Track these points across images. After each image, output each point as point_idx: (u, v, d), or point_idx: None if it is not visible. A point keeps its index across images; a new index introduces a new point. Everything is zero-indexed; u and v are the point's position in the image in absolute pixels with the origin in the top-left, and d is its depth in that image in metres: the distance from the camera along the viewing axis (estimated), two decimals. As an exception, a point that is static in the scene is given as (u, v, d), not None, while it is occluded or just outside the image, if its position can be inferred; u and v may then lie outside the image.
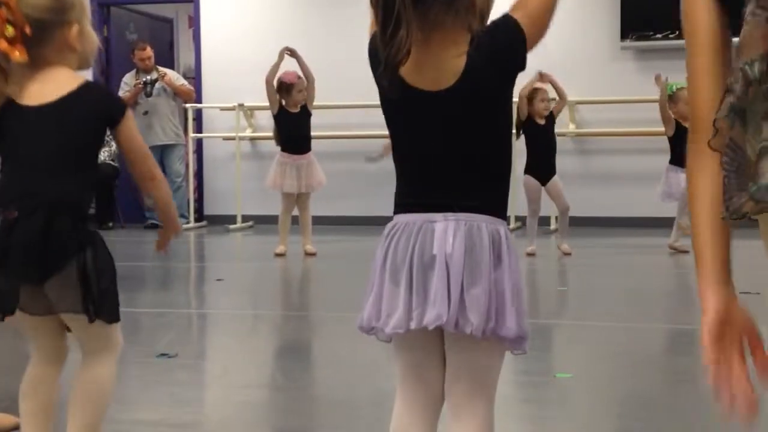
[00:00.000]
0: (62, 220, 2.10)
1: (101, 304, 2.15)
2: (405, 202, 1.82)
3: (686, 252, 7.21)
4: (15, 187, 2.17)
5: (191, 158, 10.40)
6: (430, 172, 1.80)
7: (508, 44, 1.79)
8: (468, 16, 1.77)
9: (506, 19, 1.80)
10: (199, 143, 10.58)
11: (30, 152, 2.15)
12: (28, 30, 2.08)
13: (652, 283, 6.05)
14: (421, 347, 1.84)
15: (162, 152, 10.06)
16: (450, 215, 1.75)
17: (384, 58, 1.72)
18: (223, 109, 10.12)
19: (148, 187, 2.32)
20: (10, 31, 2.06)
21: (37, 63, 2.14)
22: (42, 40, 2.12)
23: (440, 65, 1.75)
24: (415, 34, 1.71)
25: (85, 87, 2.17)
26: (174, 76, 10.15)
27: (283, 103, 7.34)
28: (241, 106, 9.88)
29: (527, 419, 3.15)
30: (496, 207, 1.80)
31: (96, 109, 2.16)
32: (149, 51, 9.92)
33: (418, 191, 1.81)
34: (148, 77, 9.83)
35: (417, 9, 1.71)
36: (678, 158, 7.23)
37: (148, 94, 9.87)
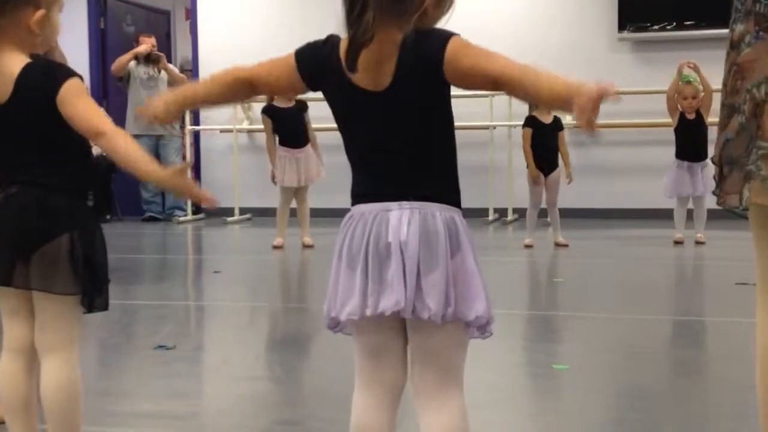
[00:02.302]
0: (57, 197, 2.11)
1: (92, 289, 2.14)
2: (360, 193, 1.85)
3: (682, 243, 7.23)
4: (9, 169, 2.16)
5: (189, 151, 10.40)
6: (381, 166, 1.82)
7: (426, 61, 1.75)
8: (411, 22, 1.77)
9: (440, 39, 1.75)
10: (196, 136, 10.58)
11: (8, 141, 2.15)
12: None
13: (649, 275, 6.06)
14: (379, 333, 1.86)
15: (157, 145, 10.07)
16: (405, 204, 1.78)
17: (350, 37, 1.74)
18: (220, 101, 10.11)
19: (101, 145, 2.09)
20: None
21: None
22: (3, 12, 2.11)
23: (380, 66, 1.77)
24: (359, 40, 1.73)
25: (26, 69, 2.11)
26: (169, 67, 10.16)
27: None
28: (238, 98, 9.86)
29: (523, 410, 3.15)
30: (449, 196, 1.82)
31: (41, 87, 2.10)
32: (153, 39, 9.93)
33: (373, 183, 1.83)
34: (151, 56, 9.80)
35: (360, 18, 1.73)
36: (682, 151, 7.21)
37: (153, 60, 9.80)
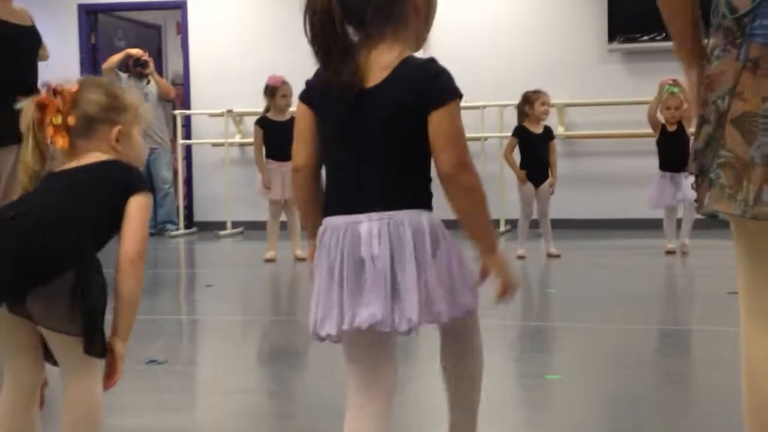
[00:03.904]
0: (59, 232, 2.09)
1: (93, 332, 2.10)
2: (332, 203, 1.87)
3: (673, 252, 7.24)
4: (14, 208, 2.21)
5: (180, 165, 10.40)
6: (354, 171, 1.84)
7: (417, 97, 1.79)
8: (408, 23, 1.83)
9: (443, 94, 1.80)
10: (188, 150, 10.58)
11: (35, 204, 2.18)
12: (71, 121, 2.20)
13: (641, 285, 6.07)
14: (365, 342, 1.87)
15: (148, 158, 10.05)
16: (374, 215, 1.79)
17: (328, 78, 1.81)
18: (211, 115, 10.12)
19: (125, 270, 2.12)
20: (58, 119, 2.20)
21: (76, 151, 2.24)
22: (84, 133, 2.23)
23: (371, 68, 1.81)
24: (355, 50, 1.80)
25: (113, 162, 2.24)
26: (156, 76, 10.15)
27: (267, 105, 7.35)
28: (229, 112, 9.88)
29: (516, 421, 3.15)
30: (417, 199, 1.84)
31: (119, 178, 2.20)
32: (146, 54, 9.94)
33: (342, 193, 1.85)
34: (140, 61, 9.77)
35: (358, 27, 1.80)
36: (665, 163, 7.24)
37: (138, 74, 9.78)
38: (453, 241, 1.86)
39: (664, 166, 7.24)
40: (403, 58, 1.81)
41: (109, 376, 2.16)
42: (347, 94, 1.81)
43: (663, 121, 7.23)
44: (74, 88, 2.23)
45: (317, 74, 1.90)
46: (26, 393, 2.21)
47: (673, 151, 7.12)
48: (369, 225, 1.78)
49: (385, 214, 1.79)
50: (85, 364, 2.14)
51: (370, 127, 1.82)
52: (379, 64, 1.80)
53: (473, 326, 2.09)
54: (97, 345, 2.12)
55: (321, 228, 1.87)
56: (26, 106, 2.23)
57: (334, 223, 1.83)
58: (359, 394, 1.91)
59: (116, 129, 2.25)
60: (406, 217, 1.79)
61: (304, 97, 1.93)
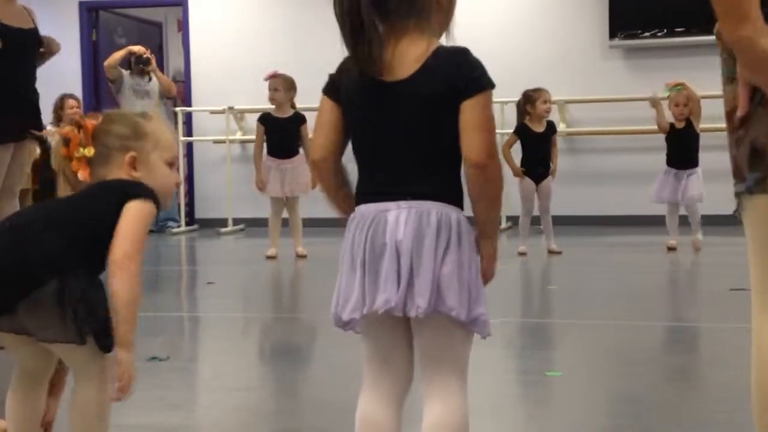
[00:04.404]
0: (50, 237, 2.09)
1: (95, 333, 2.08)
2: (363, 192, 1.89)
3: (675, 249, 7.23)
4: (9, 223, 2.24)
5: (181, 162, 10.39)
6: (385, 161, 1.86)
7: (449, 87, 1.81)
8: (430, 16, 1.85)
9: (476, 82, 1.82)
10: (189, 147, 10.58)
11: (27, 215, 2.26)
12: (89, 152, 2.24)
13: (642, 282, 6.06)
14: (386, 330, 1.90)
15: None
16: (403, 203, 1.81)
17: (357, 70, 1.82)
18: (213, 112, 10.12)
19: (112, 271, 2.07)
20: (80, 152, 2.24)
21: (97, 179, 2.26)
22: (101, 161, 2.25)
23: (400, 60, 1.82)
24: (382, 41, 1.81)
25: (117, 178, 2.25)
26: (159, 72, 10.14)
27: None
28: (231, 109, 9.88)
29: (517, 417, 3.15)
30: (448, 194, 1.85)
31: (116, 186, 2.21)
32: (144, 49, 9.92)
33: (375, 181, 1.87)
34: (142, 58, 9.76)
35: (384, 19, 1.81)
36: (671, 159, 7.24)
37: (140, 71, 9.77)
38: (475, 248, 1.86)
39: (670, 162, 7.24)
40: (434, 49, 1.83)
41: (119, 387, 2.09)
42: (377, 84, 1.82)
43: (672, 117, 7.21)
44: (97, 120, 2.27)
45: (343, 66, 1.90)
46: (31, 380, 2.22)
47: (680, 148, 7.12)
48: (397, 212, 1.81)
49: (414, 203, 1.81)
50: (91, 369, 2.13)
51: (402, 118, 1.83)
52: (409, 55, 1.82)
53: (460, 353, 1.90)
54: (105, 337, 2.09)
55: (351, 215, 1.89)
56: (55, 144, 2.29)
57: (363, 211, 1.86)
58: (373, 377, 1.94)
59: (129, 155, 2.24)
60: (434, 208, 1.81)
61: (329, 90, 1.93)
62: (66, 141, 2.25)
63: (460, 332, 1.86)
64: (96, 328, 2.06)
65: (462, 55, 1.83)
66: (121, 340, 2.07)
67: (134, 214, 2.15)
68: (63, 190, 2.28)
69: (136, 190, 2.19)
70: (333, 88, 1.92)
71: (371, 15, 1.79)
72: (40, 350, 2.16)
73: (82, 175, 2.24)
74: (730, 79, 1.73)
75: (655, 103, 7.25)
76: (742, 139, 1.71)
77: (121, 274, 2.07)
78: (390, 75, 1.82)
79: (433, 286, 1.78)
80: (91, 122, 2.27)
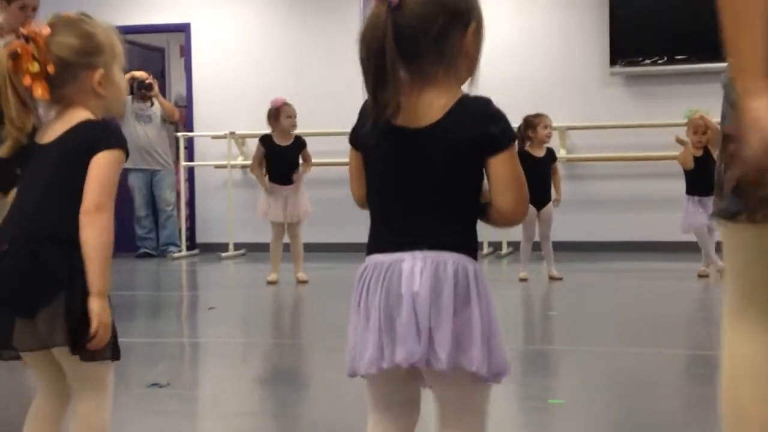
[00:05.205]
0: (50, 251, 2.07)
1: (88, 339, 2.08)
2: (376, 241, 1.86)
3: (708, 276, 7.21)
4: (10, 221, 2.16)
5: (183, 186, 10.41)
6: (401, 210, 1.83)
7: (474, 139, 1.80)
8: (458, 65, 1.84)
9: (501, 138, 1.81)
10: (191, 171, 10.59)
11: (27, 187, 2.17)
12: (50, 68, 2.10)
13: (644, 308, 6.05)
14: (392, 381, 1.85)
15: (152, 180, 10.09)
16: (418, 253, 1.77)
17: (373, 115, 1.79)
18: (214, 137, 10.15)
19: (84, 223, 2.04)
20: (34, 67, 2.09)
21: (58, 102, 2.16)
22: (64, 80, 2.14)
23: (424, 108, 1.80)
24: (404, 87, 1.78)
25: (83, 123, 2.15)
26: (161, 98, 10.19)
27: (271, 129, 7.32)
28: (232, 134, 9.90)
29: (520, 446, 3.13)
30: (465, 245, 1.82)
31: (84, 141, 2.12)
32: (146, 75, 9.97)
33: (389, 230, 1.84)
34: (144, 83, 9.81)
35: (409, 66, 1.80)
36: (692, 188, 7.16)
37: (143, 96, 9.83)
38: (487, 297, 1.82)
39: (691, 191, 7.15)
40: (459, 98, 1.81)
41: (95, 338, 2.04)
42: (398, 131, 1.80)
43: (690, 145, 7.16)
44: (47, 31, 2.12)
45: (364, 113, 1.88)
46: (55, 399, 2.21)
47: (702, 175, 7.02)
48: (412, 262, 1.77)
49: (430, 254, 1.77)
50: (93, 380, 2.14)
51: (422, 166, 1.81)
52: (434, 103, 1.80)
53: (479, 406, 1.90)
54: (106, 347, 2.10)
55: (362, 265, 1.85)
56: None
57: (376, 260, 1.82)
58: (377, 418, 1.91)
59: (98, 73, 2.16)
60: (450, 258, 1.77)
61: (352, 139, 1.94)
62: (14, 55, 2.09)
63: (480, 385, 1.83)
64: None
65: (487, 105, 1.81)
66: (95, 288, 2.04)
67: (103, 164, 2.09)
68: (12, 111, 2.11)
69: (104, 142, 2.11)
70: (355, 136, 1.92)
71: (396, 61, 1.77)
72: (58, 366, 2.16)
73: (40, 92, 2.10)
74: (732, 105, 1.73)
75: (681, 141, 7.19)
76: (734, 161, 1.72)
77: (92, 225, 2.05)
78: (412, 122, 1.80)
79: (453, 340, 1.74)
80: (42, 34, 2.11)
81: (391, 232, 1.83)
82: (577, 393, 3.75)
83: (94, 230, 2.05)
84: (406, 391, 1.89)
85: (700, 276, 7.21)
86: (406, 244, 1.79)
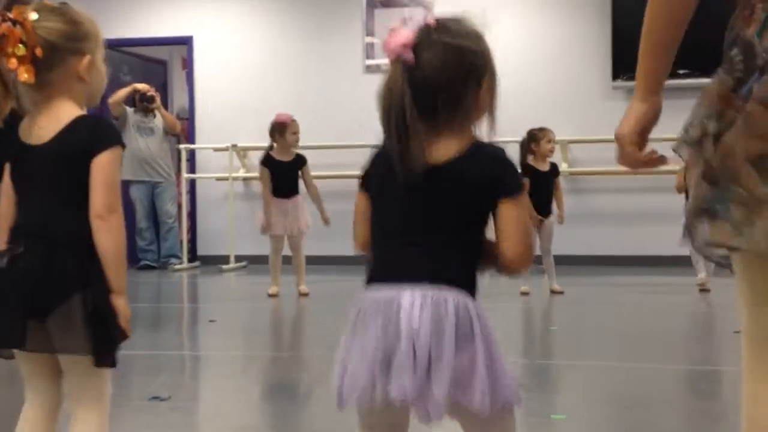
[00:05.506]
0: (67, 257, 2.08)
1: (105, 346, 2.11)
2: (376, 275, 1.87)
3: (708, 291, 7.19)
4: (22, 224, 2.16)
5: (184, 199, 10.42)
6: (402, 245, 1.86)
7: (489, 181, 1.84)
8: (473, 117, 1.89)
9: (508, 186, 1.86)
10: (192, 184, 10.60)
11: (32, 191, 2.16)
12: (39, 52, 2.08)
13: (645, 322, 6.04)
14: (385, 415, 1.85)
15: (153, 192, 10.09)
16: (417, 288, 1.78)
17: (403, 164, 1.82)
18: (216, 149, 10.15)
19: (98, 226, 2.08)
20: (21, 50, 2.07)
21: (43, 87, 2.13)
22: (52, 65, 2.12)
23: (440, 150, 1.84)
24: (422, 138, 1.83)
25: (77, 121, 2.13)
26: (163, 110, 10.20)
27: (275, 146, 7.32)
28: (234, 146, 9.91)
29: (522, 461, 3.12)
30: (465, 282, 1.83)
31: (83, 142, 2.11)
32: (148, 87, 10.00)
33: (389, 264, 1.86)
34: (146, 95, 9.83)
35: (426, 119, 1.83)
36: None
37: (145, 108, 9.85)
38: (490, 335, 1.82)
39: None
40: (474, 142, 1.86)
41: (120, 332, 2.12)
42: (409, 174, 1.83)
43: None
44: (35, 16, 2.10)
45: (377, 158, 1.94)
46: (46, 412, 2.21)
47: None
48: (412, 298, 1.77)
49: (430, 290, 1.77)
50: (96, 389, 2.16)
51: (430, 203, 1.84)
52: (449, 147, 1.84)
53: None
54: (103, 356, 2.11)
55: (361, 298, 1.85)
56: None
57: (376, 295, 1.82)
58: None
59: (86, 59, 2.15)
60: (450, 295, 1.78)
61: (361, 185, 1.99)
62: (1, 37, 2.06)
63: (495, 417, 1.81)
64: (108, 344, 2.10)
65: (501, 152, 1.87)
66: (116, 287, 2.11)
67: (106, 164, 2.09)
68: None
69: (102, 142, 2.11)
70: (366, 182, 1.97)
71: (416, 118, 1.82)
72: (54, 375, 2.18)
73: (26, 76, 2.08)
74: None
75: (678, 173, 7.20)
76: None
77: (106, 227, 2.09)
78: (427, 162, 1.83)
79: (452, 379, 1.73)
80: (29, 18, 2.09)
81: (392, 265, 1.85)
82: (579, 408, 3.74)
83: (109, 232, 2.09)
84: (399, 417, 1.88)
85: (701, 290, 7.20)
86: (406, 279, 1.80)
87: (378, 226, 1.93)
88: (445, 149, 1.84)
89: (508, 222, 1.84)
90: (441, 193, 1.83)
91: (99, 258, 2.10)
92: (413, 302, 1.76)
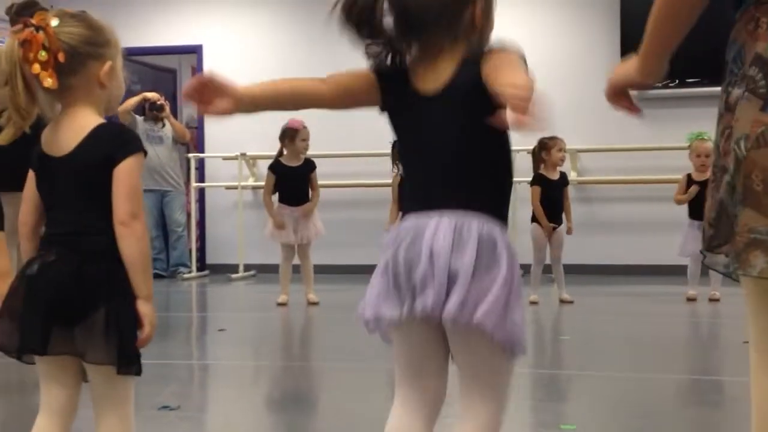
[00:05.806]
0: (96, 268, 2.09)
1: (132, 355, 2.13)
2: (408, 205, 1.93)
3: (695, 300, 7.18)
4: (53, 233, 2.18)
5: (193, 207, 10.43)
6: (430, 173, 1.89)
7: (475, 71, 1.85)
8: (466, 38, 1.91)
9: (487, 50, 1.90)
10: (201, 192, 10.61)
11: (61, 200, 2.17)
12: (61, 57, 2.10)
13: (655, 332, 6.02)
14: (421, 342, 1.89)
15: (162, 201, 10.11)
16: (444, 212, 1.82)
17: (406, 97, 1.89)
18: (225, 158, 10.17)
19: (122, 234, 2.09)
20: (43, 55, 2.09)
21: (64, 93, 2.15)
22: (74, 70, 2.13)
23: (437, 75, 1.88)
24: (416, 60, 1.91)
25: (98, 130, 2.15)
26: (172, 119, 10.23)
27: (285, 151, 7.33)
28: (243, 155, 9.92)
29: (532, 471, 3.11)
30: (493, 208, 1.86)
31: (104, 150, 2.12)
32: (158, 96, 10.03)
33: (419, 193, 1.90)
34: (156, 104, 9.86)
35: (418, 39, 1.90)
36: (693, 212, 7.15)
37: (154, 117, 9.88)
38: (512, 263, 1.84)
39: (693, 215, 7.14)
40: (464, 57, 1.89)
41: (144, 336, 2.13)
42: (417, 96, 1.89)
43: (693, 167, 7.16)
44: (57, 21, 2.12)
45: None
46: (59, 418, 2.21)
47: (702, 201, 7.02)
48: (437, 222, 1.81)
49: (455, 215, 1.81)
50: (120, 397, 2.19)
51: (439, 128, 1.88)
52: (446, 69, 1.88)
53: (501, 376, 1.91)
54: (126, 365, 2.13)
55: (398, 225, 1.91)
56: (8, 44, 2.09)
57: (405, 224, 1.88)
58: (404, 392, 1.93)
59: (108, 65, 2.16)
60: (474, 219, 1.81)
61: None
62: (24, 43, 2.09)
63: (498, 352, 1.84)
64: (132, 352, 2.12)
65: (480, 46, 1.91)
66: (143, 294, 2.11)
67: (128, 172, 2.11)
68: (21, 98, 2.10)
69: (123, 149, 2.12)
70: (383, 76, 2.02)
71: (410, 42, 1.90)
72: (72, 384, 2.19)
73: (50, 81, 2.09)
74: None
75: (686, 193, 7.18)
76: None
77: (130, 234, 2.10)
78: (426, 88, 1.88)
79: (469, 296, 1.76)
80: (52, 24, 2.11)
81: (421, 195, 1.89)
82: (590, 418, 3.73)
83: (133, 239, 2.10)
84: (434, 361, 1.91)
85: (711, 300, 7.18)
86: (433, 205, 1.84)
87: (402, 157, 2.00)
88: (443, 71, 1.88)
89: (501, 65, 1.82)
90: (443, 117, 1.87)
91: (124, 265, 2.11)
92: (437, 226, 1.81)
